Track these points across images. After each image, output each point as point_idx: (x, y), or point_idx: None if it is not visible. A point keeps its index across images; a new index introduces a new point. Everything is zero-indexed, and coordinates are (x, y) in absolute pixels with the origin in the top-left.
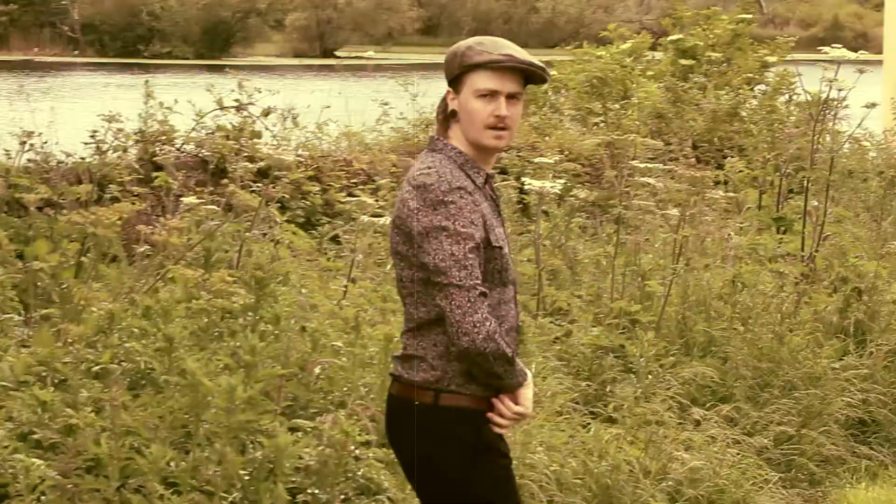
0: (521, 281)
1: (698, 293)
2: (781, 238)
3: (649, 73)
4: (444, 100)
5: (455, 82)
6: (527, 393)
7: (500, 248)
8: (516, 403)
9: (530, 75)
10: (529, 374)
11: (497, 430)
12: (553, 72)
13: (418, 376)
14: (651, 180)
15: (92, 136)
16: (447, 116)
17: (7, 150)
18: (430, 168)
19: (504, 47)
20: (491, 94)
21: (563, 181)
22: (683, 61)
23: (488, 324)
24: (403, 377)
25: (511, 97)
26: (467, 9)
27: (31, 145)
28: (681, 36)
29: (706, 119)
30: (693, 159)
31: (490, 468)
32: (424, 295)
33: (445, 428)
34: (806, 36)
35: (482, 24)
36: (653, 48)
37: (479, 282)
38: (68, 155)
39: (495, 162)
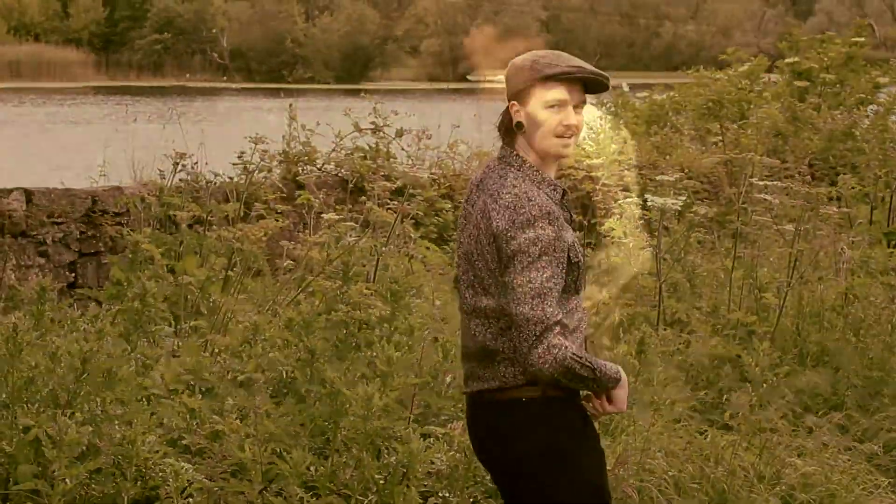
0: (643, 294)
1: (812, 305)
2: (892, 252)
3: (766, 94)
4: (506, 112)
5: (521, 95)
6: (619, 394)
7: (578, 262)
8: (610, 402)
9: (590, 84)
10: (623, 374)
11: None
12: (674, 93)
13: (522, 377)
14: (768, 196)
15: (239, 157)
16: (511, 129)
17: (161, 171)
18: (514, 188)
19: (569, 59)
20: (560, 104)
21: (683, 198)
22: (799, 83)
23: (555, 351)
24: (509, 380)
25: (576, 106)
26: (592, 34)
27: (183, 166)
28: (796, 59)
29: (822, 138)
30: (808, 177)
31: (596, 451)
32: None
33: (557, 418)
34: None
35: (607, 48)
36: (769, 70)
37: (551, 311)
38: (217, 175)
39: (559, 170)
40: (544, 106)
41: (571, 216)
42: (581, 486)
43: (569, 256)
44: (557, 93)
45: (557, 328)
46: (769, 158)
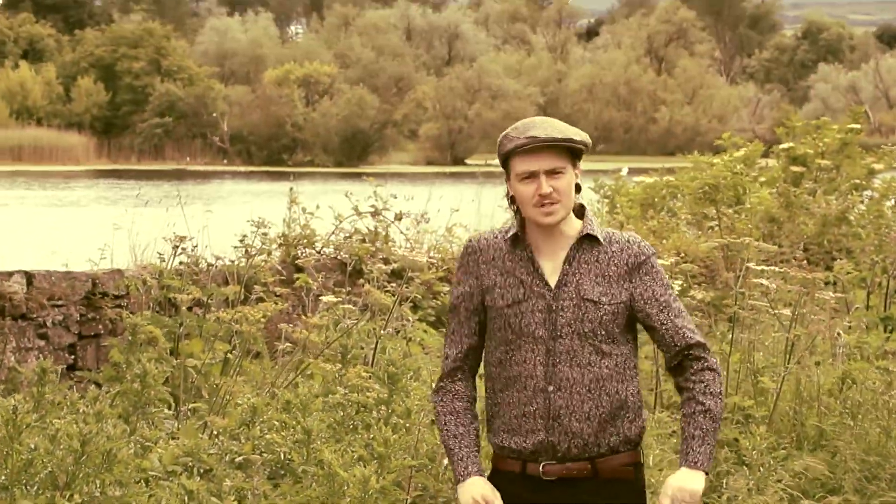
0: (641, 377)
1: (809, 389)
2: (888, 336)
3: (761, 179)
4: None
5: (505, 170)
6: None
7: (501, 307)
8: None
9: (571, 147)
10: (463, 487)
11: None
12: (669, 178)
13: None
14: (765, 281)
15: (241, 241)
16: (512, 201)
17: (161, 254)
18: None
19: (531, 128)
20: (530, 176)
21: (680, 282)
22: (794, 168)
23: (433, 399)
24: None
25: (552, 173)
26: (590, 119)
27: (183, 249)
28: (792, 144)
29: (816, 223)
30: (804, 261)
31: None
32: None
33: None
34: None
35: (604, 133)
36: (765, 156)
37: (443, 363)
38: (218, 258)
39: (571, 230)
40: (518, 180)
41: (527, 258)
42: None
43: (484, 303)
44: (524, 165)
45: (444, 380)
46: (765, 243)
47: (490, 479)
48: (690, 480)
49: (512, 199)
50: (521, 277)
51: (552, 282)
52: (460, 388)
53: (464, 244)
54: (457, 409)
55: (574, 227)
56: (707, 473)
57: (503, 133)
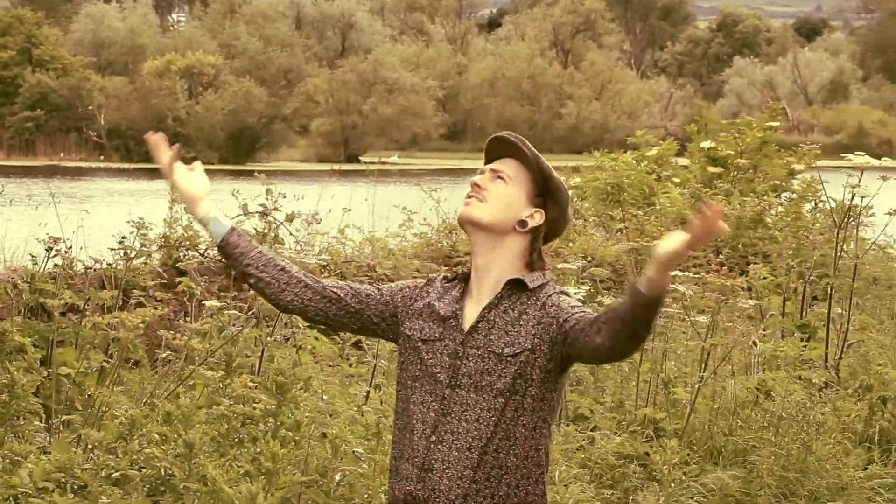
0: None
1: (724, 401)
2: (805, 345)
3: (675, 179)
4: None
5: None
6: None
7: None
8: None
9: (505, 150)
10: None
11: None
12: (577, 178)
13: None
14: (680, 287)
15: (119, 243)
16: None
17: (33, 256)
18: None
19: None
20: (480, 173)
21: (587, 287)
22: (713, 168)
23: None
24: None
25: (495, 173)
26: (491, 115)
27: (57, 251)
28: (713, 144)
29: (731, 225)
30: (723, 266)
31: None
32: None
33: None
34: (831, 143)
35: (507, 129)
36: (679, 154)
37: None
38: (95, 261)
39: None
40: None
41: (456, 296)
42: None
43: (390, 314)
44: (482, 164)
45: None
46: None
47: None
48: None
49: None
50: (443, 315)
51: (466, 325)
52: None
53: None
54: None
55: (516, 274)
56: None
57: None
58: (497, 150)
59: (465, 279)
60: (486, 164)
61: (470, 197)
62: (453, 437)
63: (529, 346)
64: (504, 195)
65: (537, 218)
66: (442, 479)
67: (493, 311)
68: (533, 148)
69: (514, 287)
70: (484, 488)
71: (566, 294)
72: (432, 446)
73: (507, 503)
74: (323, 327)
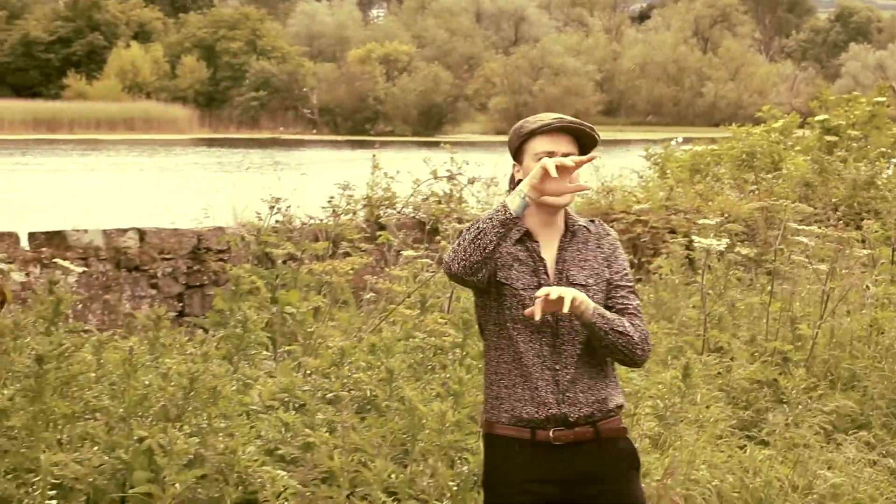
0: (689, 325)
1: (841, 336)
2: None
3: (797, 148)
4: (511, 174)
5: (518, 154)
6: None
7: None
8: None
9: (581, 137)
10: None
11: None
12: (714, 146)
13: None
14: (804, 239)
15: (329, 202)
16: (514, 185)
17: (258, 213)
18: None
19: (553, 116)
20: (548, 156)
21: (726, 240)
22: (828, 138)
23: None
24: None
25: (564, 157)
26: (642, 94)
27: (279, 209)
28: (826, 116)
29: (847, 187)
30: (840, 221)
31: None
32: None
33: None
34: None
35: (655, 107)
36: (801, 126)
37: None
38: (309, 217)
39: (560, 220)
40: (534, 159)
41: (534, 250)
42: None
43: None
44: (543, 144)
45: None
46: (802, 205)
47: (493, 446)
48: (578, 294)
49: (515, 183)
50: (532, 266)
51: (551, 272)
52: None
53: None
54: None
55: (562, 216)
56: (588, 322)
57: (517, 125)
58: (554, 134)
59: (526, 231)
60: (546, 147)
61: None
62: (573, 359)
63: (606, 277)
64: (577, 175)
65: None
66: (577, 395)
67: (564, 254)
68: (577, 121)
69: (576, 230)
70: (606, 393)
71: (617, 244)
72: (559, 373)
73: (618, 401)
74: None
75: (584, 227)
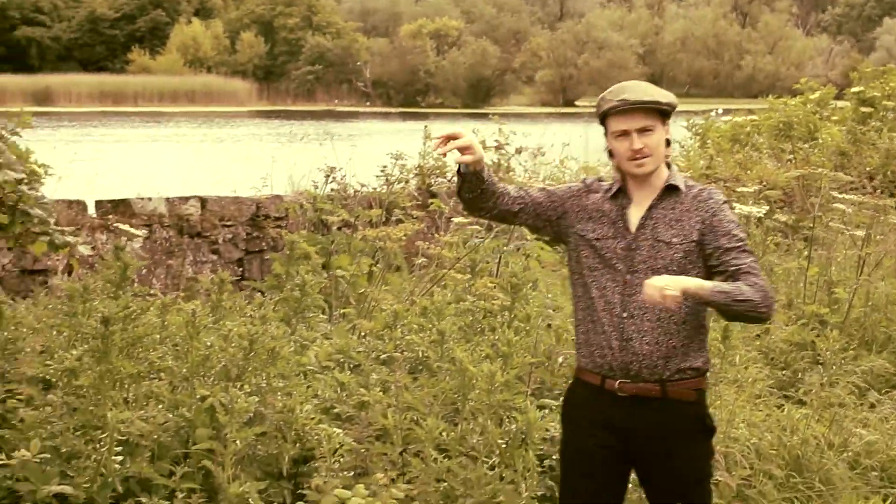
0: None
1: (877, 299)
2: None
3: (833, 118)
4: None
5: (604, 127)
6: None
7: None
8: None
9: (658, 108)
10: None
11: None
12: (753, 118)
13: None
14: (842, 206)
15: (382, 171)
16: (610, 155)
17: (314, 182)
18: None
19: (623, 91)
20: (623, 133)
21: (765, 206)
22: (863, 109)
23: None
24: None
25: (642, 130)
26: (683, 67)
27: (333, 178)
28: (861, 88)
29: (881, 156)
30: (876, 189)
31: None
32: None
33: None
34: None
35: (696, 79)
36: (837, 98)
37: None
38: (363, 185)
39: (658, 181)
40: (613, 137)
41: (620, 205)
42: None
43: (560, 216)
44: (618, 124)
45: None
46: (839, 173)
47: (573, 388)
48: (686, 280)
49: (610, 153)
50: (612, 219)
51: (634, 226)
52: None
53: (580, 179)
54: None
55: (662, 178)
56: (710, 302)
57: (601, 95)
58: (626, 113)
59: (620, 188)
60: (619, 125)
61: (641, 159)
62: (642, 311)
63: (693, 238)
64: (656, 142)
65: (668, 131)
66: (642, 346)
67: (654, 210)
68: (644, 97)
69: (673, 191)
70: (677, 352)
71: (724, 204)
72: (625, 321)
73: (694, 364)
74: (547, 239)
75: (684, 190)
